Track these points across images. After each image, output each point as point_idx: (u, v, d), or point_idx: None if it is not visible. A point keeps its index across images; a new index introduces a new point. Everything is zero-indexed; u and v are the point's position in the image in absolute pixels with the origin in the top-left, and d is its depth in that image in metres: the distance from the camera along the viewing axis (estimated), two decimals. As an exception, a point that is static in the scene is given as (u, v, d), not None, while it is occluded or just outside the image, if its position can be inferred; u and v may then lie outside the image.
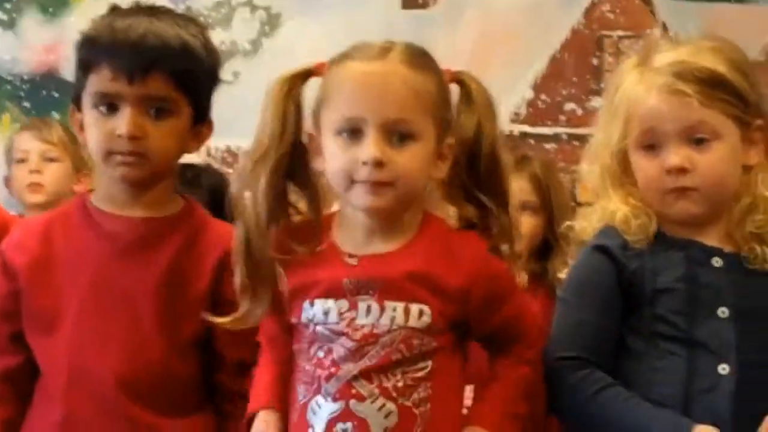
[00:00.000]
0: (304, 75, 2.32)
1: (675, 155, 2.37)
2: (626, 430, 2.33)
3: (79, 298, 2.48)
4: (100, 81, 2.46)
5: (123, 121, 2.43)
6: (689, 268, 2.41)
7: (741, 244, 2.42)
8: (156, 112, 2.46)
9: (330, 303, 2.27)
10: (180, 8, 4.16)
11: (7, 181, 3.94)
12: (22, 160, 3.85)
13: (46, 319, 2.48)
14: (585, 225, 2.50)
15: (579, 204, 2.62)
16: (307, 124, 2.34)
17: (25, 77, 4.30)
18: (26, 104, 4.26)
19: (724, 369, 2.36)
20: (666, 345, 2.39)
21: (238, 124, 3.88)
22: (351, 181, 2.23)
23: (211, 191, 3.45)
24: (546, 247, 3.45)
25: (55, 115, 3.95)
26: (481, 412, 2.33)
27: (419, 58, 2.28)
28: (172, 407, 2.50)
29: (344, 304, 2.26)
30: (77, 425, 2.46)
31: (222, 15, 4.33)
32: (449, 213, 2.42)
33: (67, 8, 4.27)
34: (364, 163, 2.19)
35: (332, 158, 2.25)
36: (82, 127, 2.52)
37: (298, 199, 2.34)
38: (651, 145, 2.40)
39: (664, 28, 4.13)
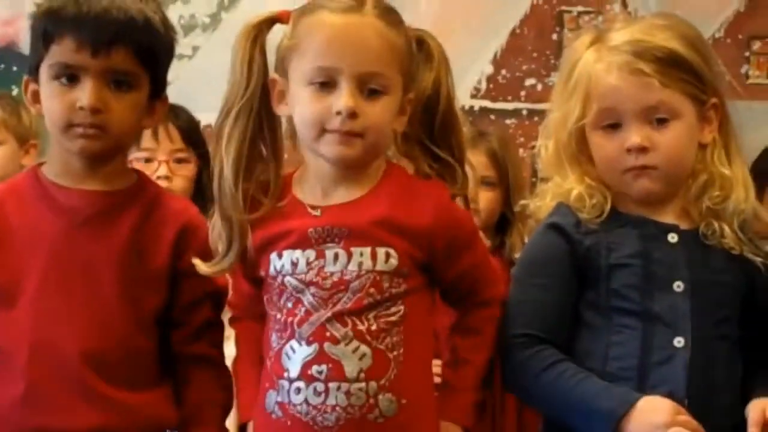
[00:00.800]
0: (269, 22, 2.37)
1: (635, 134, 2.41)
2: (573, 405, 2.36)
3: (38, 272, 2.47)
4: (62, 52, 2.45)
5: (85, 94, 2.43)
6: (644, 245, 2.43)
7: (698, 221, 2.45)
8: (117, 85, 2.46)
9: (298, 253, 2.30)
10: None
11: None
12: None
13: (4, 294, 2.47)
14: (539, 204, 2.52)
15: (541, 179, 2.62)
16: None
17: (-19, 46, 4.28)
18: (-16, 75, 4.24)
19: (679, 342, 2.39)
20: (622, 319, 2.42)
21: (198, 97, 3.94)
22: (322, 131, 2.26)
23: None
24: (504, 222, 3.48)
25: (15, 90, 3.94)
26: (456, 405, 2.38)
27: (391, 13, 2.32)
28: (135, 381, 2.50)
29: (311, 253, 2.30)
30: (39, 400, 2.45)
31: (180, -13, 4.31)
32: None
33: None
34: (338, 113, 2.23)
35: (303, 107, 2.28)
36: (36, 99, 2.51)
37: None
38: (610, 124, 2.42)
39: (624, 4, 4.13)
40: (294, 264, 2.31)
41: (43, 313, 2.46)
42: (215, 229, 2.37)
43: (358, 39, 2.27)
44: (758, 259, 2.47)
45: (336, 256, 2.30)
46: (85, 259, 2.47)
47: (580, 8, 4.17)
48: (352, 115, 2.24)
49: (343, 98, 2.24)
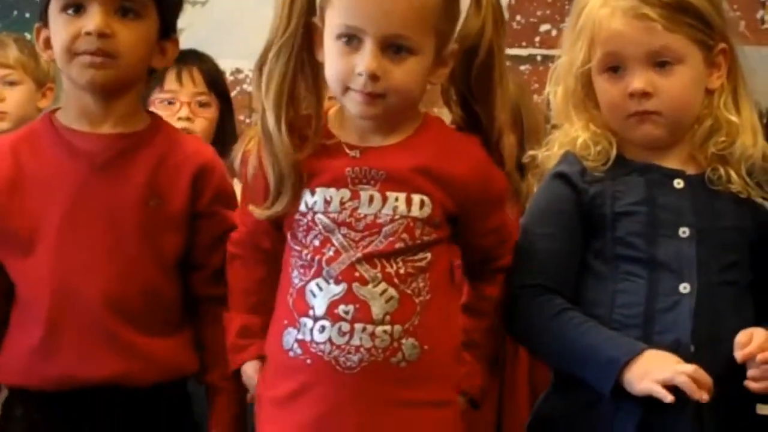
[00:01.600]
0: None
1: (638, 79, 2.42)
2: (579, 353, 2.39)
3: (58, 218, 2.48)
4: None
5: (91, 19, 2.44)
6: (649, 191, 2.45)
7: (704, 166, 2.46)
8: (123, 12, 2.47)
9: (332, 191, 2.31)
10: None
11: None
12: None
13: (22, 241, 2.49)
14: (547, 153, 2.54)
15: (552, 126, 2.63)
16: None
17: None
18: (-5, 23, 4.25)
19: (685, 288, 2.42)
20: (628, 267, 2.44)
21: (211, 43, 3.99)
22: (346, 88, 2.27)
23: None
24: (520, 167, 3.49)
25: (27, 36, 3.95)
26: (465, 378, 2.42)
27: None
28: (157, 326, 2.53)
29: (346, 193, 2.30)
30: (61, 347, 2.47)
31: (196, -64, 4.32)
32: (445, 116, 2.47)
33: None
34: (360, 74, 2.23)
35: (330, 61, 2.29)
36: (48, 45, 2.52)
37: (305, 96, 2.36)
38: (614, 68, 2.45)
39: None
40: (327, 202, 2.31)
41: (63, 259, 2.47)
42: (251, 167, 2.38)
43: (384, 0, 2.25)
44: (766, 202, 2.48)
45: (371, 199, 2.31)
46: (105, 203, 2.49)
47: (591, -44, 4.17)
48: (374, 77, 2.23)
49: (364, 59, 2.23)
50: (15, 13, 4.28)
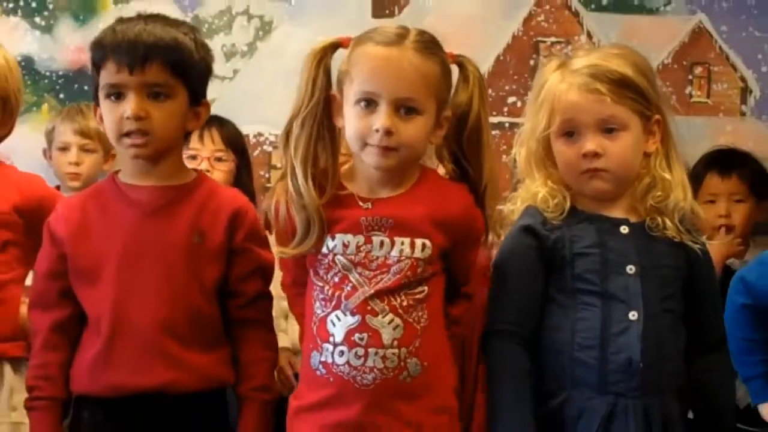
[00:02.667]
0: (333, 46, 2.39)
1: (590, 142, 2.43)
2: (499, 414, 2.44)
3: (116, 256, 2.50)
4: (107, 75, 2.49)
5: (128, 105, 2.46)
6: (600, 236, 2.46)
7: (644, 215, 2.47)
8: (155, 96, 2.49)
9: (349, 237, 2.33)
10: (189, 16, 4.19)
11: (45, 153, 3.90)
12: (63, 149, 3.83)
13: (89, 275, 2.51)
14: (512, 208, 2.53)
15: (518, 181, 2.62)
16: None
17: (60, 73, 4.29)
18: (61, 96, 4.25)
19: (633, 315, 2.42)
20: (585, 298, 2.44)
21: (238, 111, 4.00)
22: (364, 144, 2.30)
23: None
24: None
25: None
26: None
27: (429, 44, 2.35)
28: (201, 344, 2.53)
29: (361, 239, 2.33)
30: (118, 360, 2.49)
31: (224, 22, 4.32)
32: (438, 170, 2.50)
33: (96, 15, 4.26)
34: (377, 131, 2.27)
35: (350, 123, 2.32)
36: (101, 119, 2.54)
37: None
38: (569, 132, 2.45)
39: (589, 35, 4.14)
40: (345, 246, 2.33)
41: (121, 288, 2.49)
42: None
43: (396, 69, 2.29)
44: (696, 246, 2.49)
45: (382, 243, 2.33)
46: (155, 242, 2.50)
47: (553, 39, 4.19)
48: (389, 132, 2.27)
49: (381, 118, 2.27)
50: (75, 86, 4.25)
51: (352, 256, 2.34)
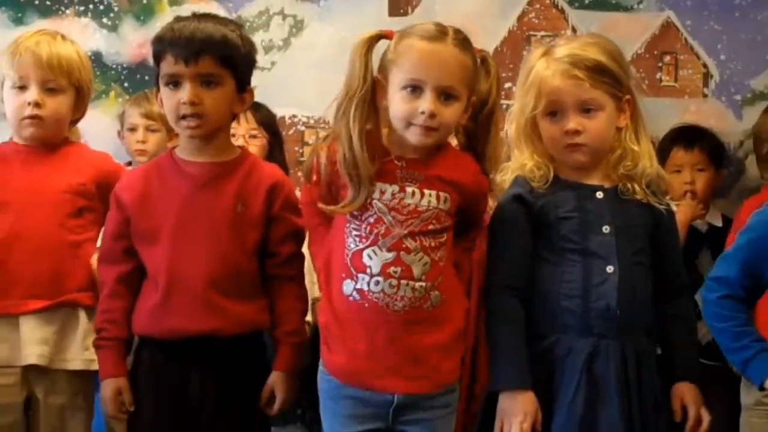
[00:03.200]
0: (378, 37, 2.40)
1: (572, 121, 2.44)
2: (499, 352, 2.46)
3: (172, 221, 2.54)
4: (166, 66, 2.52)
5: (185, 93, 2.49)
6: (579, 201, 2.46)
7: (616, 181, 2.48)
8: (207, 84, 2.52)
9: (386, 186, 2.38)
10: (233, 16, 4.17)
11: (119, 134, 3.95)
12: (132, 130, 3.87)
13: (148, 237, 2.55)
14: (504, 178, 2.53)
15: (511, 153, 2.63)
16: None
17: (124, 66, 4.27)
18: (126, 85, 4.25)
19: (610, 268, 2.43)
20: (569, 255, 2.45)
21: (275, 97, 4.01)
22: (409, 123, 2.34)
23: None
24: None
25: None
26: None
27: (465, 41, 2.39)
28: (242, 295, 2.56)
29: (396, 188, 2.38)
30: (173, 308, 2.53)
31: (262, 21, 4.29)
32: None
33: (154, 16, 4.25)
34: (422, 113, 2.29)
35: (397, 105, 2.34)
36: (162, 103, 2.57)
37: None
38: (554, 112, 2.45)
39: (573, 30, 4.13)
40: (382, 192, 2.37)
41: (176, 249, 2.53)
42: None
43: (439, 61, 2.32)
44: (661, 207, 2.51)
45: (413, 193, 2.38)
46: (205, 210, 2.54)
47: (543, 33, 4.16)
48: (432, 115, 2.30)
49: (427, 102, 2.31)
50: (138, 76, 4.24)
51: (388, 202, 2.36)
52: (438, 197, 2.38)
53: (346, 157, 2.34)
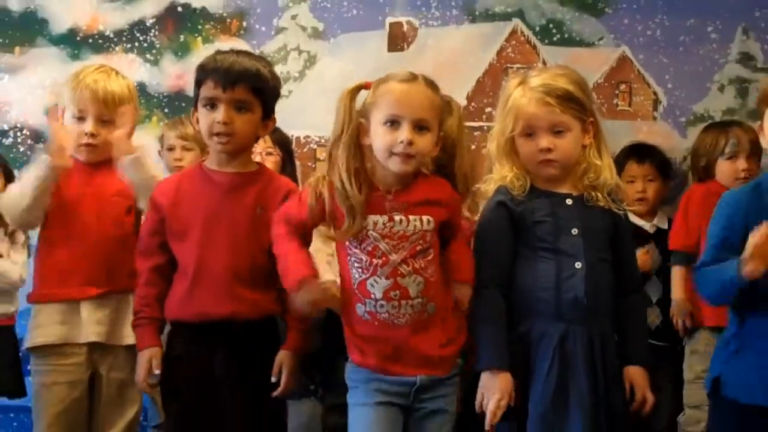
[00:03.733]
0: (359, 88, 2.40)
1: (544, 140, 2.44)
2: (482, 339, 2.44)
3: (200, 222, 2.53)
4: (206, 90, 2.52)
5: (219, 114, 2.50)
6: (552, 207, 2.46)
7: (582, 190, 2.47)
8: (238, 109, 2.52)
9: (378, 217, 2.36)
10: (257, 51, 4.16)
11: (159, 153, 3.93)
12: (170, 149, 3.84)
13: (180, 234, 2.55)
14: (487, 188, 2.53)
15: (492, 167, 2.63)
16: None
17: (164, 94, 4.27)
18: (166, 110, 4.24)
19: (578, 264, 2.43)
20: (543, 253, 2.46)
21: (292, 120, 4.04)
22: (390, 153, 2.33)
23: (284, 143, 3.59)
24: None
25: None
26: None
27: (432, 84, 2.40)
28: (257, 285, 2.54)
29: (386, 218, 2.36)
30: (199, 295, 2.52)
31: (281, 55, 4.29)
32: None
33: (190, 52, 4.24)
34: (401, 142, 2.29)
35: (379, 138, 2.34)
36: (198, 121, 2.57)
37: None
38: (529, 133, 2.45)
39: (544, 62, 4.12)
40: (375, 224, 2.35)
41: (203, 245, 2.52)
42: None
43: (413, 98, 2.34)
44: (620, 212, 2.51)
45: (400, 221, 2.36)
46: (228, 213, 2.53)
47: (518, 65, 4.15)
48: (410, 143, 2.30)
49: (405, 133, 2.31)
50: (176, 103, 4.24)
51: (381, 230, 2.35)
52: (422, 220, 2.36)
53: (339, 190, 2.35)
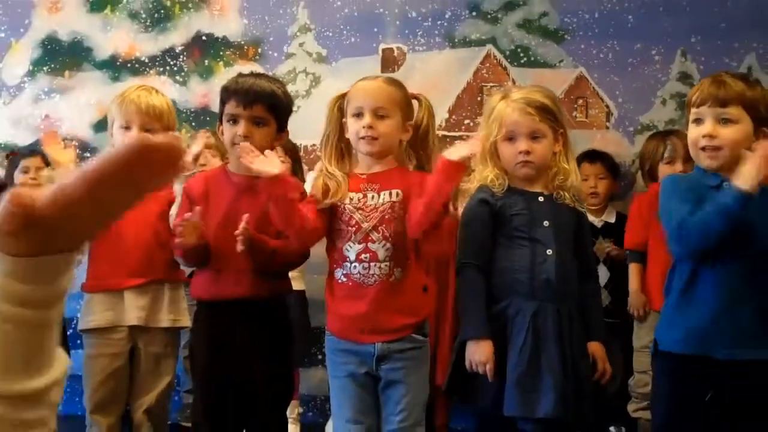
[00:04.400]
0: (342, 96, 2.42)
1: (524, 144, 2.40)
2: (466, 311, 2.42)
3: (221, 214, 2.50)
4: (229, 107, 2.49)
5: (240, 128, 2.46)
6: (527, 203, 2.42)
7: (552, 191, 2.44)
8: (257, 124, 2.47)
9: (354, 194, 2.36)
10: (270, 73, 4.13)
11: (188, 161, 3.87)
12: (196, 157, 3.79)
13: (204, 222, 2.48)
14: (470, 186, 2.50)
15: (472, 170, 2.59)
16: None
17: (191, 110, 4.21)
18: (193, 124, 4.18)
19: (549, 251, 2.40)
20: (519, 242, 2.41)
21: (300, 132, 3.89)
22: (358, 138, 2.33)
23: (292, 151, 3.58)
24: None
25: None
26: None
27: (393, 80, 2.45)
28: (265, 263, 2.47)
29: (360, 195, 2.36)
30: (221, 279, 2.49)
31: (291, 77, 4.23)
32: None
33: (213, 75, 4.19)
34: (364, 127, 2.32)
35: (350, 128, 2.35)
36: (222, 133, 2.53)
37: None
38: (511, 138, 2.40)
39: (513, 81, 4.09)
40: (351, 199, 2.35)
41: (223, 234, 2.46)
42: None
43: (371, 91, 2.36)
44: (582, 210, 2.48)
45: (372, 197, 2.35)
46: (244, 209, 2.46)
47: (491, 84, 4.12)
48: (370, 127, 2.29)
49: (365, 120, 2.30)
50: (201, 118, 4.20)
51: (356, 204, 2.34)
52: (390, 194, 2.34)
53: (326, 173, 2.37)
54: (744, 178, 2.06)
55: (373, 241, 2.31)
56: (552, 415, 2.29)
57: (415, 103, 2.45)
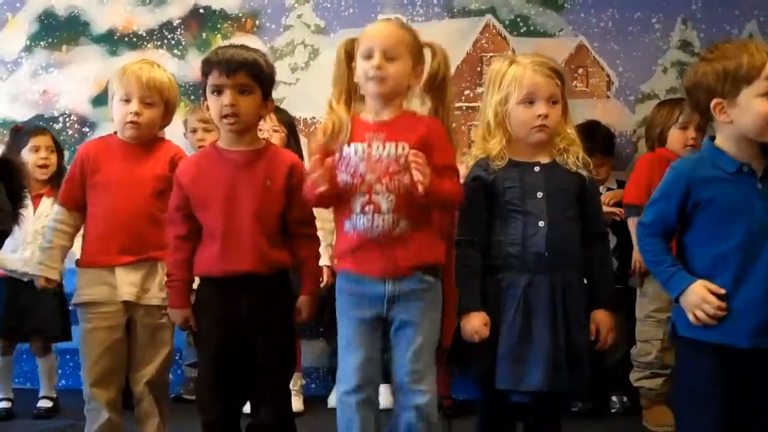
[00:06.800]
0: (352, 41, 2.39)
1: (543, 108, 2.39)
2: (463, 286, 2.44)
3: (221, 192, 2.50)
4: (212, 78, 2.49)
5: (226, 98, 2.46)
6: (520, 176, 2.41)
7: (555, 155, 2.43)
8: (241, 92, 2.47)
9: (359, 145, 2.34)
10: (268, 46, 4.14)
11: (185, 134, 3.90)
12: (193, 131, 3.83)
13: (203, 205, 2.51)
14: (469, 159, 2.49)
15: (471, 141, 2.59)
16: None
17: (190, 84, 4.20)
18: (192, 98, 4.17)
19: (541, 223, 2.39)
20: (513, 214, 2.41)
21: (299, 103, 3.94)
22: (367, 79, 2.32)
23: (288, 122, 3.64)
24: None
25: (206, 103, 3.89)
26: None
27: (404, 24, 2.42)
28: (274, 245, 2.51)
29: (365, 145, 2.33)
30: (227, 255, 2.48)
31: (289, 49, 4.22)
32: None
33: (211, 48, 4.12)
34: (373, 67, 2.30)
35: (359, 69, 2.35)
36: (207, 107, 2.53)
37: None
38: (530, 101, 2.39)
39: (513, 51, 4.07)
40: (356, 150, 2.33)
41: (226, 212, 2.48)
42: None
43: (382, 32, 2.35)
44: (585, 174, 2.44)
45: (378, 147, 2.32)
46: (243, 185, 2.49)
47: (491, 54, 4.09)
48: (379, 67, 2.28)
49: (375, 60, 2.28)
50: (199, 91, 4.15)
51: (362, 154, 2.33)
52: (396, 146, 2.31)
53: (336, 116, 2.35)
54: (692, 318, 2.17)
55: (377, 193, 2.30)
56: (540, 387, 2.31)
57: (427, 52, 2.43)
